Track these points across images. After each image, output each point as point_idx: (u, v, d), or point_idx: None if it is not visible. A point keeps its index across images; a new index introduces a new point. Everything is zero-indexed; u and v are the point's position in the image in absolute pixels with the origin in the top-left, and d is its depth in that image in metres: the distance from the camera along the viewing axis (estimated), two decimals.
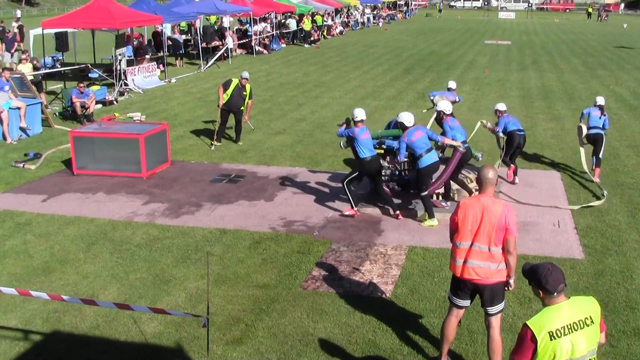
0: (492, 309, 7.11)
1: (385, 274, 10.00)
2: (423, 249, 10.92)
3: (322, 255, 10.72)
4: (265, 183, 14.46)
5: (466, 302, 7.27)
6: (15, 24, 38.96)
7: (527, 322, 4.90)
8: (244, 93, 17.66)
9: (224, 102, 17.58)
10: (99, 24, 26.42)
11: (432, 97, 16.54)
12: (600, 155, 14.62)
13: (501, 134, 14.65)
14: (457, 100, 16.90)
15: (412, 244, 11.16)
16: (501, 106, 14.87)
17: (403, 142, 11.85)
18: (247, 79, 17.67)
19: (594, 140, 14.70)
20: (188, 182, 14.58)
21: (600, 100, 15.17)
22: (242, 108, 17.85)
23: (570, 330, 4.83)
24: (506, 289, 7.10)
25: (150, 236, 11.53)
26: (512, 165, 14.63)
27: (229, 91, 17.54)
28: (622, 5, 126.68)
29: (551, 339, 4.79)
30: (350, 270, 10.15)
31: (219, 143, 17.75)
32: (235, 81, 17.70)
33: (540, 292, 4.98)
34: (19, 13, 51.12)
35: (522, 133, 14.57)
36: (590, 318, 4.96)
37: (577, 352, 4.86)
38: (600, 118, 14.80)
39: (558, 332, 4.81)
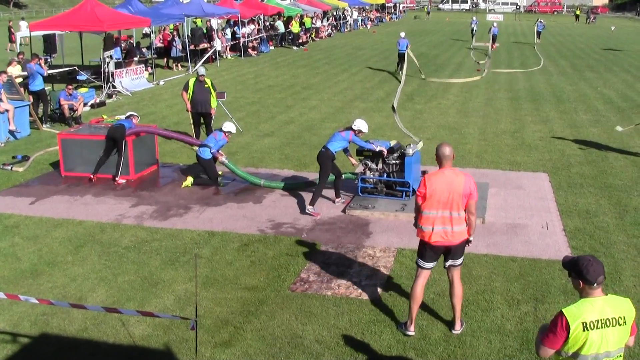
0: (457, 261, 8.27)
1: (373, 276, 10.01)
2: (411, 250, 10.90)
3: (310, 258, 10.72)
4: (254, 185, 14.42)
5: (433, 264, 8.31)
6: None
7: (563, 310, 5.03)
8: (206, 86, 17.81)
9: (189, 102, 17.85)
10: (86, 27, 26.38)
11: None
12: None
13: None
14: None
15: (401, 246, 11.17)
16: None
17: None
18: (203, 75, 17.91)
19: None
20: (176, 185, 14.55)
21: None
22: (213, 106, 17.98)
23: (602, 325, 4.98)
24: (468, 244, 8.30)
25: (138, 239, 11.50)
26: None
27: (190, 90, 17.76)
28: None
29: (584, 330, 4.95)
30: (339, 273, 10.15)
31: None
32: (193, 79, 17.92)
33: (581, 282, 5.09)
34: None
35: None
36: (624, 318, 5.08)
37: (605, 348, 5.03)
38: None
39: (592, 324, 4.95)
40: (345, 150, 13.28)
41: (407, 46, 31.76)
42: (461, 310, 8.51)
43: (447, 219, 7.95)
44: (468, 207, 8.00)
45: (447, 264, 8.29)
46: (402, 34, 33.14)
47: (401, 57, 31.69)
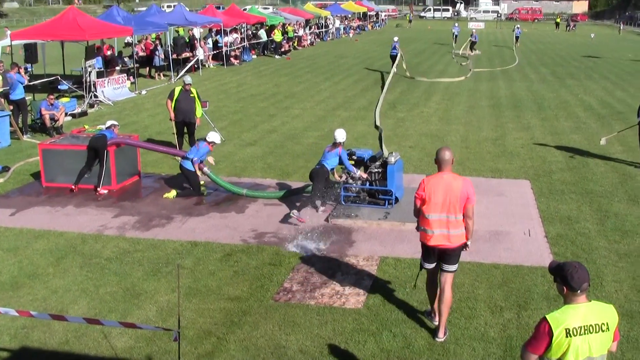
0: (451, 267, 8.38)
1: (357, 285, 9.99)
2: (395, 259, 10.93)
3: (293, 267, 10.69)
4: (236, 195, 14.37)
5: (434, 263, 8.48)
6: None
7: (546, 316, 5.08)
8: (191, 95, 17.65)
9: (173, 110, 17.62)
10: (67, 36, 26.27)
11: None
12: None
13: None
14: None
15: (384, 254, 11.17)
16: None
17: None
18: (190, 84, 17.73)
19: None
20: (159, 195, 14.48)
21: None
22: (199, 115, 17.91)
23: (585, 331, 5.01)
24: (465, 249, 8.40)
25: (120, 249, 11.44)
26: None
27: (175, 97, 17.56)
28: None
29: (567, 336, 4.98)
30: (322, 282, 10.13)
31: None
32: (178, 88, 17.77)
33: (565, 288, 5.12)
34: None
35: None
36: (607, 324, 5.11)
37: (588, 354, 5.05)
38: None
39: (575, 330, 4.98)
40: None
41: (395, 48, 37.12)
42: (447, 319, 8.53)
43: (444, 222, 8.11)
44: (466, 212, 8.14)
45: (441, 267, 8.42)
46: (395, 38, 38.63)
47: (392, 58, 36.97)
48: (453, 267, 8.40)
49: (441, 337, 8.43)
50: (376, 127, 17.00)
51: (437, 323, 8.63)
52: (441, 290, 8.42)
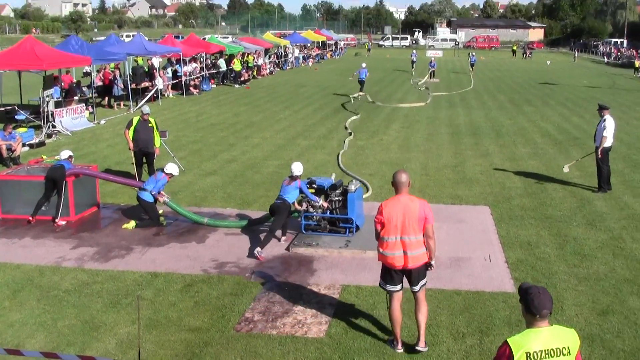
0: (418, 287, 8.55)
1: (318, 314, 9.95)
2: (356, 287, 10.91)
3: (255, 297, 10.62)
4: (197, 225, 14.28)
5: (400, 286, 8.59)
6: None
7: (508, 339, 5.15)
8: (150, 125, 17.62)
9: (132, 140, 17.55)
10: (25, 66, 26.06)
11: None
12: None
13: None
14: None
15: (346, 282, 11.15)
16: None
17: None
18: (148, 113, 17.73)
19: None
20: (118, 226, 14.33)
21: None
22: (158, 145, 17.85)
23: (547, 355, 5.07)
24: (429, 269, 8.65)
25: (79, 281, 11.27)
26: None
27: (132, 127, 17.51)
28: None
29: None
30: (284, 311, 10.07)
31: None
32: (136, 117, 17.73)
33: (526, 312, 5.21)
34: None
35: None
36: (568, 349, 5.18)
37: None
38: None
39: (535, 354, 5.04)
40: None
41: (365, 75, 40.86)
42: (425, 329, 8.74)
43: (404, 243, 8.29)
44: (425, 231, 8.37)
45: (411, 289, 8.62)
46: (364, 65, 42.07)
47: (361, 83, 40.59)
48: (418, 287, 8.57)
49: (422, 346, 8.62)
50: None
51: (400, 351, 8.68)
52: (416, 302, 8.65)
